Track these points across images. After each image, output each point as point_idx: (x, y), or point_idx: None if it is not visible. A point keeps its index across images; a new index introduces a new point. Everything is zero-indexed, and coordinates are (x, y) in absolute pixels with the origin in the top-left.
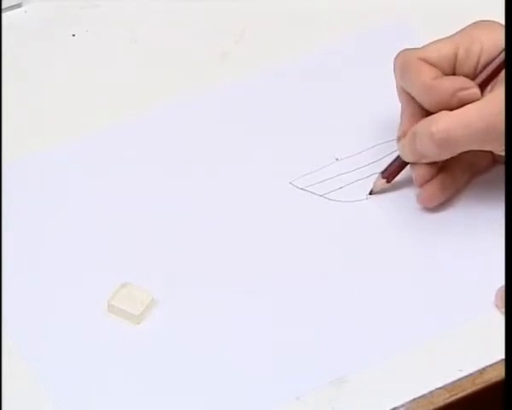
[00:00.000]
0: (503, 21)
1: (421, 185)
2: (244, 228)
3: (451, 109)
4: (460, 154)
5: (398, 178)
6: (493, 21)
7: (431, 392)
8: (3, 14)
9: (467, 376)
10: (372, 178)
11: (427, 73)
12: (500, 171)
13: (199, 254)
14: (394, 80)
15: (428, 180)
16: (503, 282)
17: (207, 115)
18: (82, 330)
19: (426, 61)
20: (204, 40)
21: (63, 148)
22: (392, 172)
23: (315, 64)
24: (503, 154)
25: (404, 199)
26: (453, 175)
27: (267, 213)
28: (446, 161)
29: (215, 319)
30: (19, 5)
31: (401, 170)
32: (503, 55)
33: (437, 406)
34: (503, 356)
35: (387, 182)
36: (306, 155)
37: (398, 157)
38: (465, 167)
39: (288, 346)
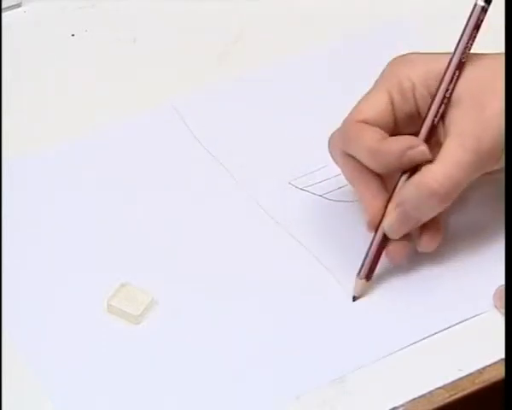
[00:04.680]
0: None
1: (401, 261)
2: (244, 228)
3: (404, 169)
4: None
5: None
6: (408, 54)
7: (431, 392)
8: (3, 14)
9: (467, 376)
10: None
11: (371, 137)
12: (499, 175)
13: (199, 255)
14: None
15: (408, 252)
16: (502, 282)
17: (207, 115)
18: (82, 330)
19: (365, 122)
20: (203, 40)
21: (63, 148)
22: (369, 268)
23: (314, 64)
24: (497, 168)
25: None
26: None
27: (267, 214)
28: None
29: (215, 319)
30: (18, 5)
31: (378, 260)
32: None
33: (437, 405)
34: (503, 356)
35: (367, 280)
36: (306, 155)
37: (370, 249)
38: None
39: (287, 346)
